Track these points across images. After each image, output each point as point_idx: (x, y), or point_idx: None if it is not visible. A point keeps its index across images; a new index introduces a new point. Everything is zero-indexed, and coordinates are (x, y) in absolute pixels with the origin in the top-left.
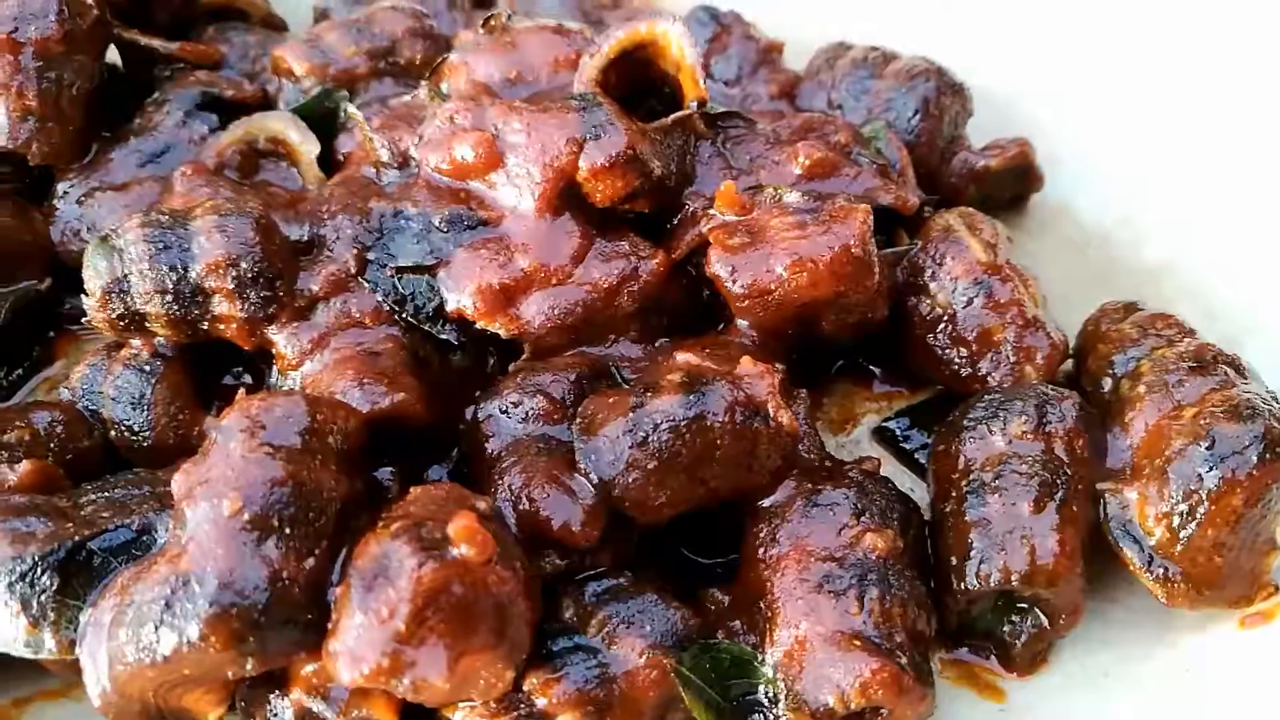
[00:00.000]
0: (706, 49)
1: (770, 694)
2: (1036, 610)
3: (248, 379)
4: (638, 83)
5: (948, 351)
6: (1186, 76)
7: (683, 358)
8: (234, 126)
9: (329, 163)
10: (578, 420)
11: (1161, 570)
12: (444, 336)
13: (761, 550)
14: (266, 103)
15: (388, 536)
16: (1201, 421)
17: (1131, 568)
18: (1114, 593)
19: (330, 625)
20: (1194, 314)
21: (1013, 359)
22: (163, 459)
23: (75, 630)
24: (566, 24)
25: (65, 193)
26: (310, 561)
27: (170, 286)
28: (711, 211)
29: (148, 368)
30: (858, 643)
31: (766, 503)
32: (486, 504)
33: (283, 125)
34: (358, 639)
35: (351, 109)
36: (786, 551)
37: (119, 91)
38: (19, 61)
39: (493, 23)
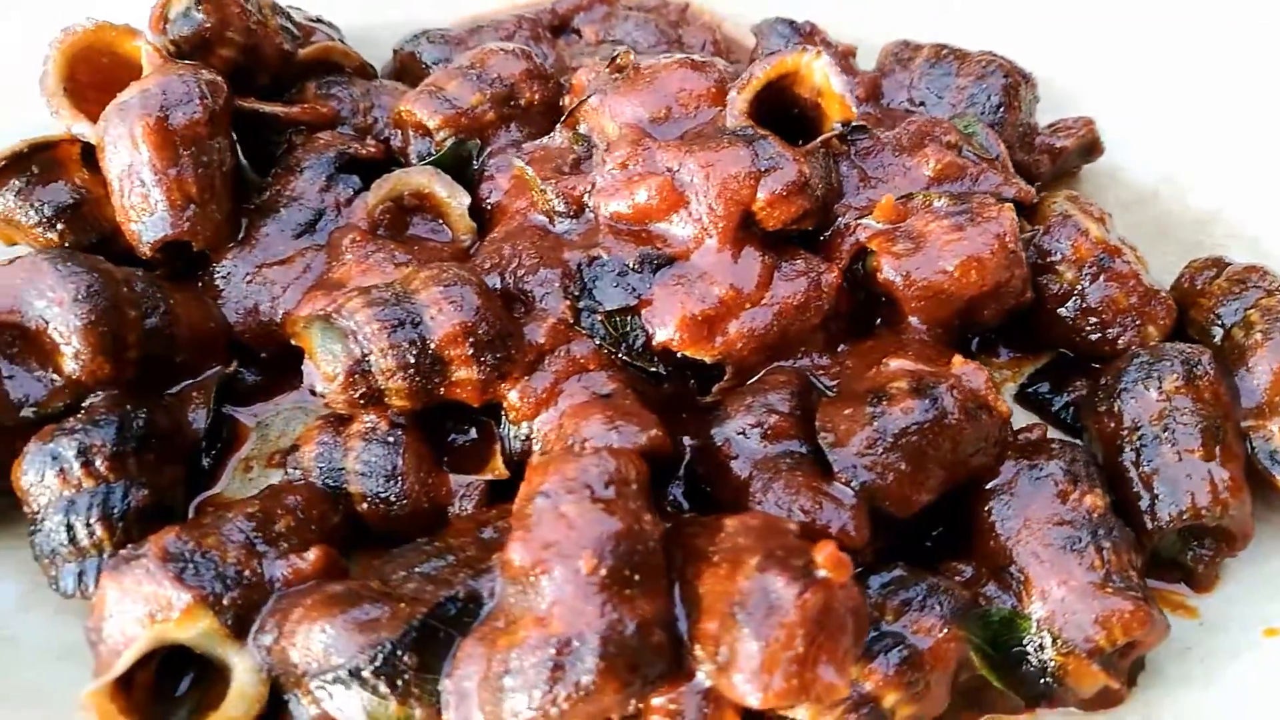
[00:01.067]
0: None
1: (1036, 644)
2: (1213, 537)
3: (472, 433)
4: (764, 108)
5: (1078, 322)
6: (1214, 37)
7: (897, 364)
8: (377, 186)
9: (478, 214)
10: (823, 434)
11: None
12: (653, 369)
13: (997, 524)
14: (392, 157)
15: (754, 571)
16: None
17: None
18: (1268, 513)
19: (720, 658)
20: (1244, 255)
21: (1137, 323)
22: (414, 525)
23: (436, 700)
24: (696, 57)
25: (229, 273)
26: (660, 601)
27: (412, 362)
28: (863, 221)
29: (391, 439)
30: (1109, 590)
31: (994, 483)
32: (797, 526)
33: (427, 180)
34: (762, 665)
35: (518, 162)
36: (1022, 522)
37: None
38: (175, 149)
39: (620, 61)
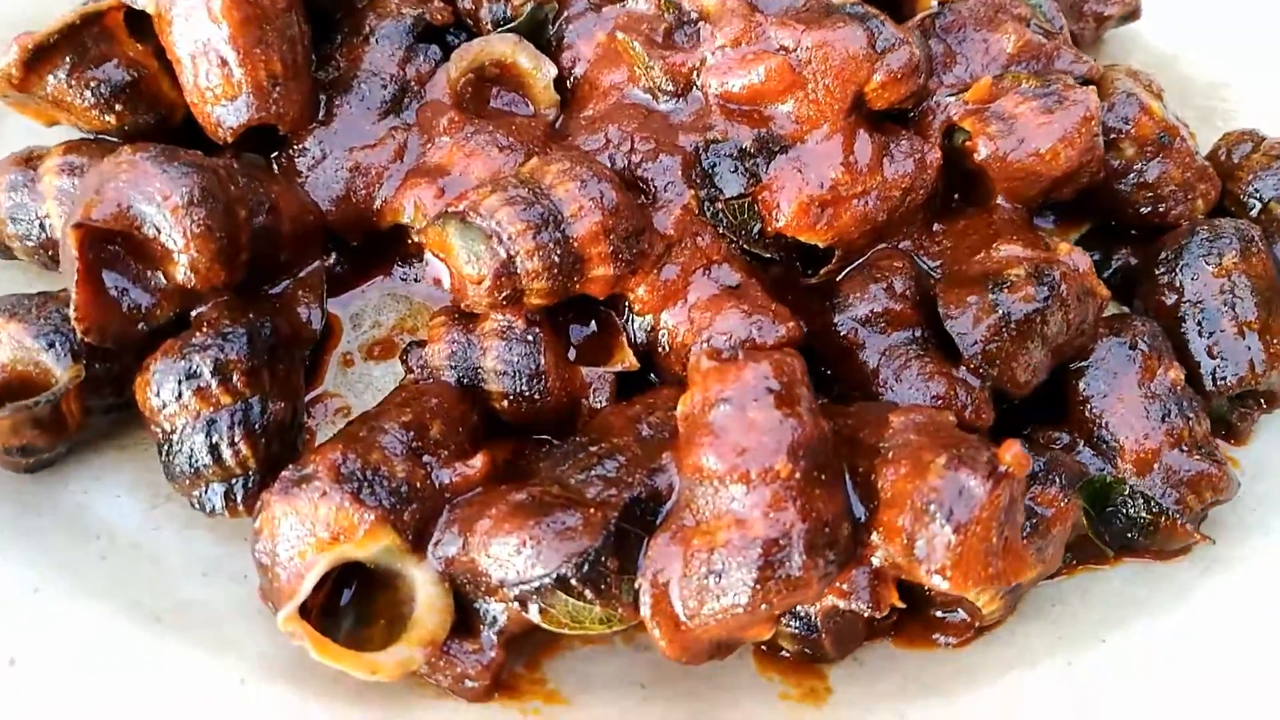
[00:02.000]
0: None
1: (1130, 504)
2: (1256, 397)
3: (592, 325)
4: None
5: (1134, 195)
6: None
7: (1009, 250)
8: (458, 56)
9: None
10: (948, 320)
11: None
12: (767, 256)
13: (1093, 397)
14: (460, 22)
15: (942, 469)
16: None
17: None
18: None
19: (903, 548)
20: (1259, 121)
21: (1188, 198)
22: (550, 420)
23: (634, 598)
24: None
25: (314, 157)
26: (841, 496)
27: (556, 262)
28: (952, 99)
29: (530, 338)
30: (1196, 455)
31: (1087, 361)
32: (954, 419)
33: (510, 48)
34: (955, 556)
35: (621, 35)
36: (1116, 395)
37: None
38: (259, 24)
39: None
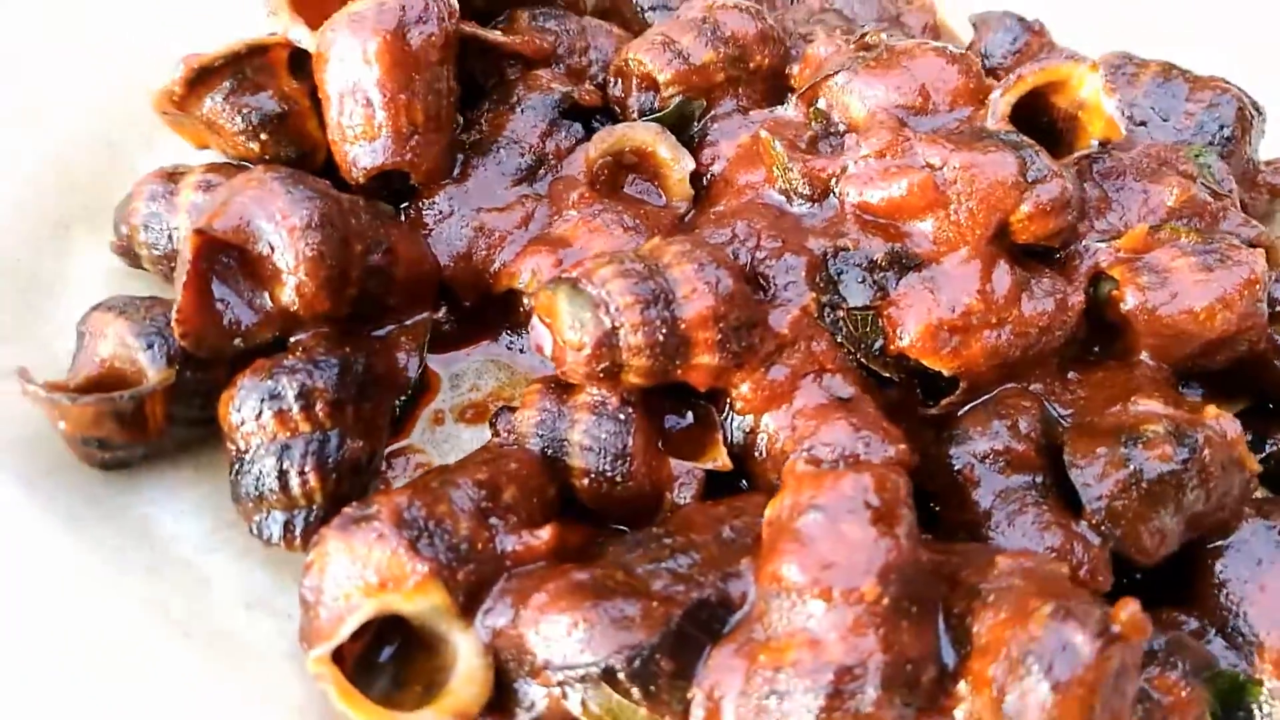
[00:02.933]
0: (1014, 58)
1: (1265, 711)
2: None
3: (689, 417)
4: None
5: None
6: None
7: (1148, 406)
8: (600, 138)
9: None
10: (1074, 469)
11: None
12: (886, 375)
13: (1231, 582)
14: (607, 107)
15: (1045, 619)
16: None
17: None
18: None
19: (993, 699)
20: None
21: None
22: (630, 508)
23: (685, 707)
24: (951, 48)
25: (442, 212)
26: (932, 635)
27: (660, 340)
28: (1103, 245)
29: (622, 417)
30: None
31: (1229, 539)
32: (1069, 570)
33: (653, 138)
34: (1050, 713)
35: (764, 134)
36: (1259, 585)
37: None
38: (408, 71)
39: (870, 40)
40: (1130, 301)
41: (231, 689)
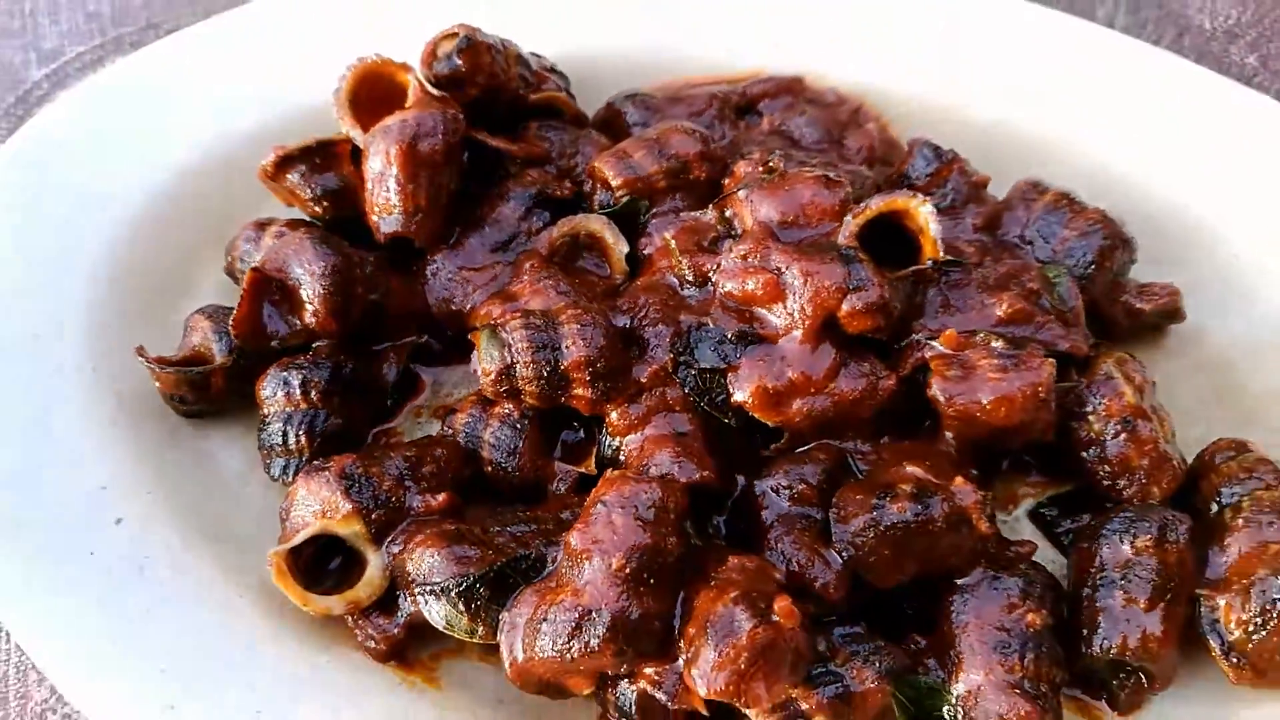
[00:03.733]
0: (928, 180)
1: (952, 715)
2: (1140, 673)
3: (580, 434)
4: (880, 224)
5: (1094, 467)
6: None
7: (910, 469)
8: (562, 223)
9: (634, 260)
10: (834, 509)
11: (1234, 660)
12: (727, 420)
13: (954, 615)
14: (578, 200)
15: (729, 602)
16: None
17: (1213, 655)
18: (1203, 670)
19: (689, 655)
20: None
21: (1143, 482)
22: (520, 492)
23: (494, 624)
24: (831, 176)
25: (437, 269)
26: (665, 602)
27: (545, 375)
28: (931, 342)
29: (519, 426)
30: (1018, 692)
31: (961, 582)
32: (781, 574)
33: (601, 226)
34: (712, 670)
35: (667, 234)
36: (971, 620)
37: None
38: (415, 169)
39: (772, 164)
40: (935, 388)
41: (239, 576)
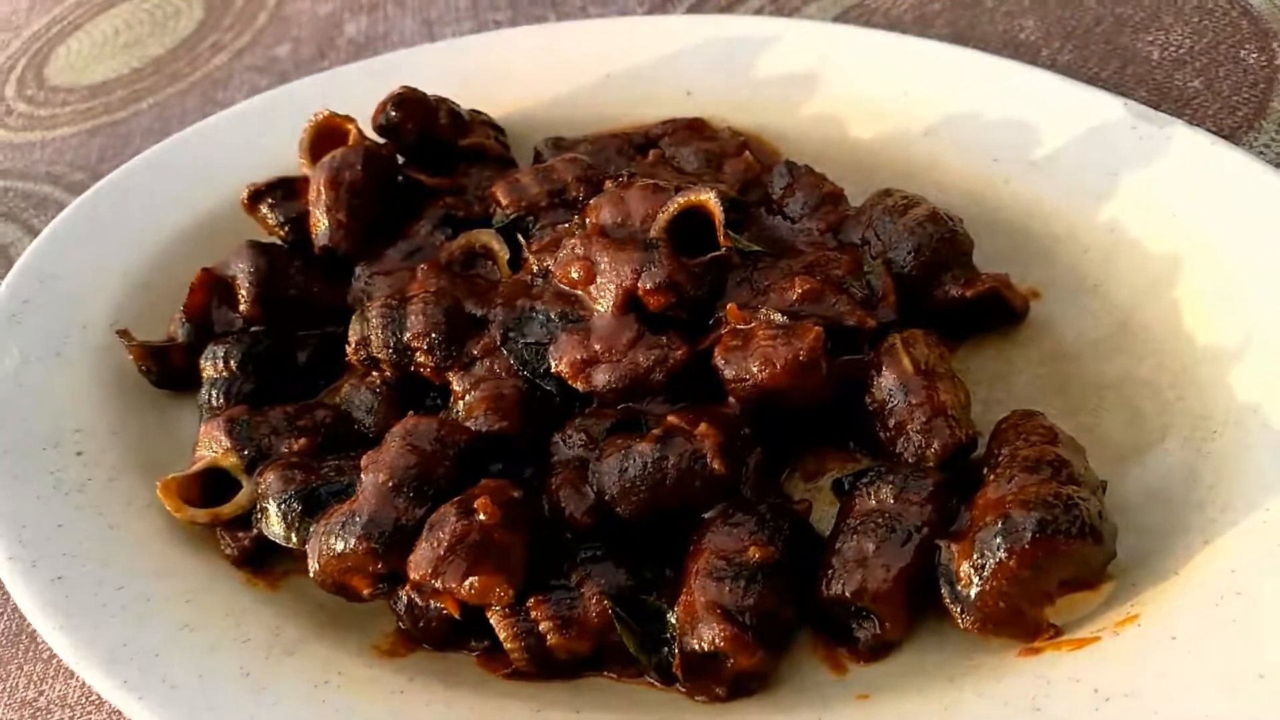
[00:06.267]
0: (781, 193)
1: (671, 636)
2: (874, 618)
3: (438, 400)
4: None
5: (878, 433)
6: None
7: (670, 419)
8: (460, 236)
9: (518, 264)
10: (596, 450)
11: (960, 607)
12: (548, 387)
13: (691, 547)
14: (486, 220)
15: (448, 505)
16: (1006, 506)
17: (944, 601)
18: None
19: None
20: (1119, 423)
21: (919, 446)
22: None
23: (307, 535)
24: (659, 184)
25: (358, 274)
26: (419, 512)
27: (391, 345)
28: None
29: (377, 391)
30: (722, 613)
31: (705, 516)
32: (519, 493)
33: (489, 238)
34: (420, 556)
35: (520, 238)
36: (704, 549)
37: (406, 200)
38: (338, 194)
39: (622, 179)
40: (716, 356)
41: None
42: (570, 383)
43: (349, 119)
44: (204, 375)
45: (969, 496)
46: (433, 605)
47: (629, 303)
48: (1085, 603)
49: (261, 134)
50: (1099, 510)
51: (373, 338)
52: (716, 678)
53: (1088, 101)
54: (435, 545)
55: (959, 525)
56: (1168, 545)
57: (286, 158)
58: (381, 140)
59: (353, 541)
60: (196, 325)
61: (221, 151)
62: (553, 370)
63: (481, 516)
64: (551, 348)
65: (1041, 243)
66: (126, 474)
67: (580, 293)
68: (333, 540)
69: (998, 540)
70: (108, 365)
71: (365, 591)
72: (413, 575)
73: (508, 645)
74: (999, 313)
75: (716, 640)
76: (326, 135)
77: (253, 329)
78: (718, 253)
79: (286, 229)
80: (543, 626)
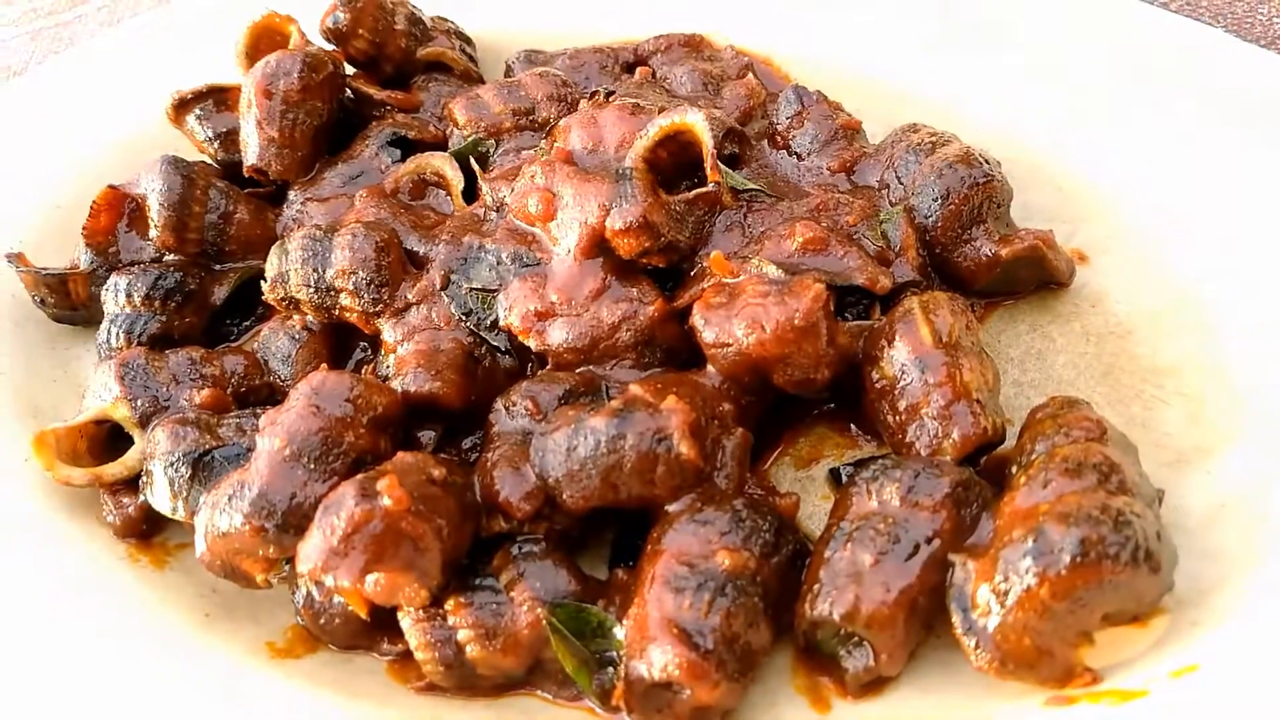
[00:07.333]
0: (788, 123)
1: (617, 655)
2: (868, 646)
3: (369, 352)
4: (693, 159)
5: (886, 417)
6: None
7: (634, 389)
8: (409, 161)
9: (474, 195)
10: (542, 423)
11: (974, 640)
12: (495, 343)
13: (650, 546)
14: (443, 143)
15: (346, 484)
16: (1039, 519)
17: (955, 631)
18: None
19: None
20: (1180, 418)
21: (934, 433)
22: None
23: (195, 506)
24: (640, 104)
25: (291, 200)
26: (320, 488)
27: (312, 283)
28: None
29: (296, 337)
30: (675, 630)
31: (669, 509)
32: (441, 472)
33: (442, 163)
34: (310, 546)
35: (475, 165)
36: (663, 551)
37: (354, 117)
38: (271, 105)
39: (596, 98)
40: (694, 316)
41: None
42: (521, 338)
43: (290, 19)
44: (107, 309)
45: (993, 502)
46: (335, 600)
47: (596, 245)
48: (1132, 642)
49: (202, 38)
50: (1156, 530)
51: (291, 274)
52: (669, 710)
53: (1171, 28)
54: (328, 533)
55: (979, 538)
56: (1237, 575)
57: (229, 65)
58: (330, 47)
59: (239, 519)
60: (101, 252)
61: (151, 55)
62: (501, 323)
63: (386, 501)
64: (501, 295)
65: (1092, 197)
66: (7, 420)
67: (539, 230)
68: (218, 516)
69: (1027, 561)
70: None
71: (259, 578)
72: (301, 567)
73: (419, 654)
74: (1039, 277)
75: (670, 667)
76: (267, 39)
77: (165, 259)
78: (704, 189)
79: (216, 145)
80: (462, 635)
